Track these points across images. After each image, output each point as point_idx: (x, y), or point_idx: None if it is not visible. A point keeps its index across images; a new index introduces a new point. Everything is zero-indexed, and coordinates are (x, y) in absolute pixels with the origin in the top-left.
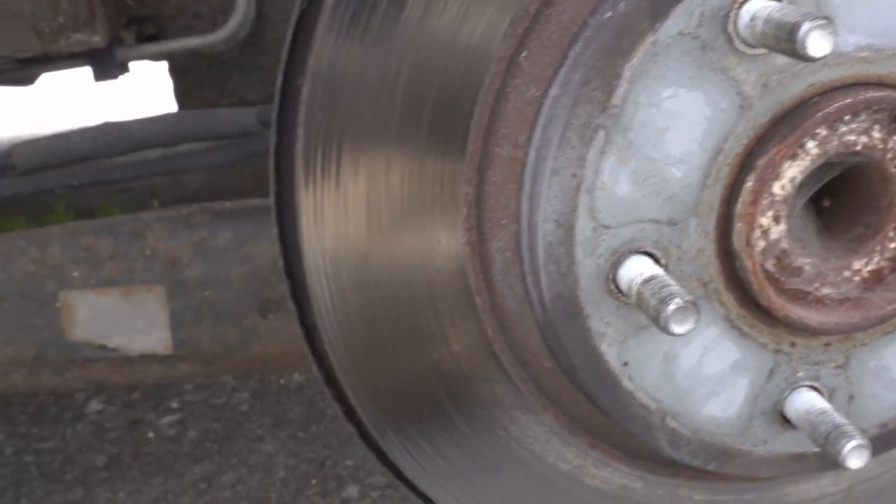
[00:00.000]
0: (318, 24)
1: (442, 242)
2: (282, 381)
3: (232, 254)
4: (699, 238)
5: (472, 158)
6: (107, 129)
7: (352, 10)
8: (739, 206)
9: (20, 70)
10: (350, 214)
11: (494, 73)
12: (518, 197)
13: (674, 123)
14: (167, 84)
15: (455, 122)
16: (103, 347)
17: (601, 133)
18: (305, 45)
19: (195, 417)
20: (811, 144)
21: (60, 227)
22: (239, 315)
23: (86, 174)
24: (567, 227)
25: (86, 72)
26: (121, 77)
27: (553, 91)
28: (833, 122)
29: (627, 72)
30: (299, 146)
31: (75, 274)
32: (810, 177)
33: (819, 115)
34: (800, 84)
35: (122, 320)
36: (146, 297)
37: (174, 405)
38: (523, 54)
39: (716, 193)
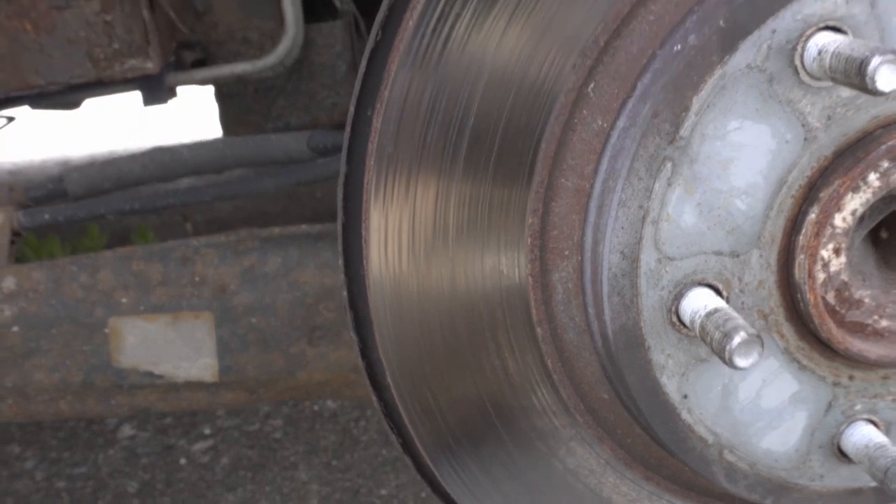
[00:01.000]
0: (391, 57)
1: (504, 273)
2: (315, 408)
3: (280, 280)
4: (761, 270)
5: (537, 189)
6: (157, 154)
7: (425, 44)
8: (802, 238)
9: (68, 94)
10: (416, 246)
11: (563, 104)
12: (582, 228)
13: (739, 155)
14: (211, 108)
15: (521, 153)
16: (149, 374)
17: (668, 165)
18: (377, 77)
19: (228, 444)
20: (873, 177)
21: (112, 252)
22: (285, 342)
23: (137, 200)
24: (632, 259)
25: (133, 96)
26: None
27: (621, 122)
28: None
29: (696, 104)
30: (369, 177)
31: (124, 300)
32: (871, 209)
33: (883, 147)
34: (864, 116)
35: (170, 347)
36: (193, 323)
37: (207, 431)
38: (591, 86)
39: (778, 225)
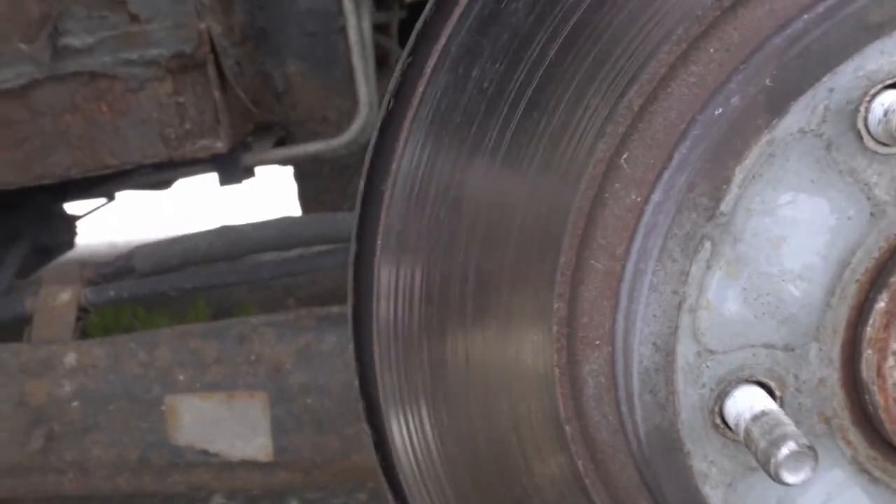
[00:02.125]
0: (403, 129)
1: (527, 365)
2: None
3: (335, 359)
4: (821, 366)
5: (564, 271)
6: (223, 232)
7: (441, 113)
8: (869, 330)
9: (157, 174)
10: (430, 332)
11: (591, 177)
12: (613, 315)
13: (792, 233)
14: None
15: (548, 239)
16: (205, 452)
17: (707, 244)
18: (391, 150)
19: None
20: None
21: (170, 329)
22: (340, 423)
23: (197, 277)
24: (666, 352)
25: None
26: (245, 181)
27: (655, 196)
28: None
29: (739, 175)
30: (379, 257)
31: (181, 377)
32: None
33: None
34: None
35: (225, 426)
36: (248, 402)
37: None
38: (624, 156)
39: (841, 314)
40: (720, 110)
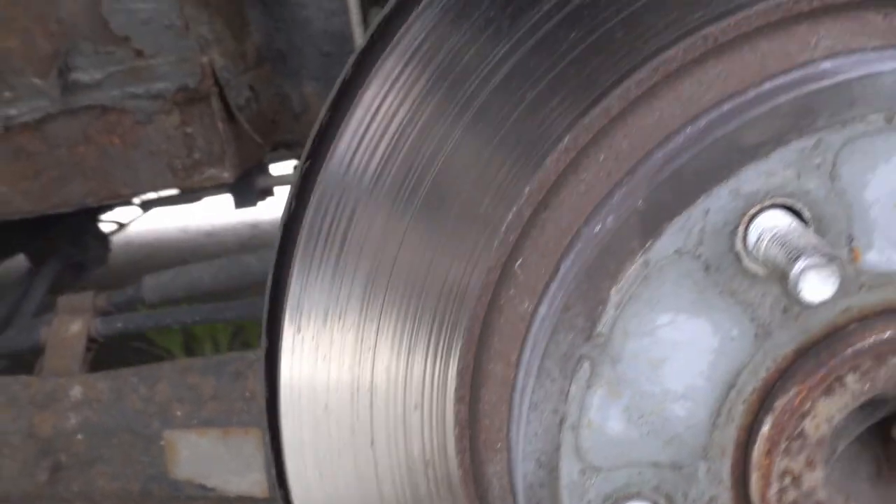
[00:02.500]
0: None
1: (428, 462)
2: None
3: None
4: (711, 485)
5: (463, 374)
6: (226, 264)
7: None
8: (755, 454)
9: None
10: (332, 432)
11: (485, 284)
12: (509, 422)
13: (673, 354)
14: None
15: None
16: (203, 487)
17: (586, 364)
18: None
19: None
20: (851, 379)
21: (170, 364)
22: None
23: (198, 313)
24: (550, 469)
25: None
26: (261, 202)
27: (542, 309)
28: (879, 354)
29: (615, 296)
30: (284, 348)
31: (178, 413)
32: (860, 412)
33: (849, 351)
34: (830, 310)
35: (220, 461)
36: (243, 438)
37: None
38: (518, 262)
39: (729, 435)
40: (598, 227)
